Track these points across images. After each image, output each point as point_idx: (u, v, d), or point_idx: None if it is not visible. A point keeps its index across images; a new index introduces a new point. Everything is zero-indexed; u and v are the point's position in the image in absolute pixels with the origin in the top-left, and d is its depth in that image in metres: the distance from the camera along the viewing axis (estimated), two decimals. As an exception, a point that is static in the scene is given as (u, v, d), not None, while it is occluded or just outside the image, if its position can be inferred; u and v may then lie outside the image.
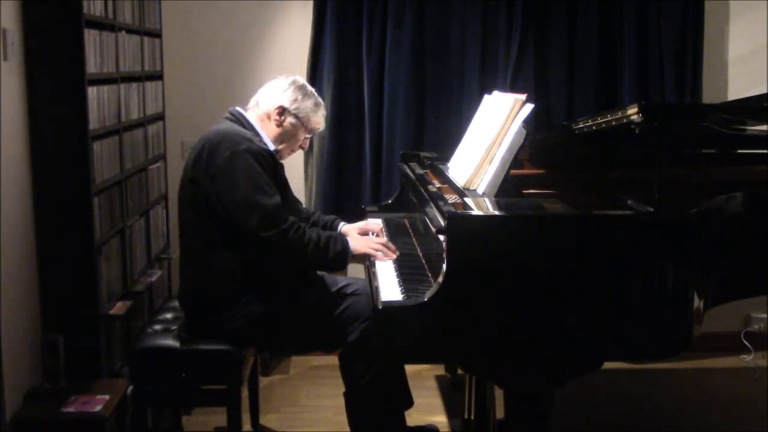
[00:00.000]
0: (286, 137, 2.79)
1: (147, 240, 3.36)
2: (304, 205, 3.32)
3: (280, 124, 2.76)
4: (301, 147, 2.88)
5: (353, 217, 3.31)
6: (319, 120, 2.84)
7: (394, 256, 2.72)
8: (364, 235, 2.98)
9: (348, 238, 2.72)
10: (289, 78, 2.81)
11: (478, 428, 2.81)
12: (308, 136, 2.86)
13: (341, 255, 2.66)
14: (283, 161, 2.81)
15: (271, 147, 2.73)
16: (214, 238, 2.63)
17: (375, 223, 3.09)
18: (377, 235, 2.97)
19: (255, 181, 2.55)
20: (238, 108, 2.80)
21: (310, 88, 2.83)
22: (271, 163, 2.63)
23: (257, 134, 2.72)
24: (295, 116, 2.77)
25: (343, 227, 3.02)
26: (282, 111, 2.76)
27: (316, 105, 2.81)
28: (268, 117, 2.77)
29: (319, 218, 3.05)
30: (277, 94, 2.77)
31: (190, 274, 2.73)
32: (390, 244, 2.77)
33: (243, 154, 2.56)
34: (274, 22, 3.84)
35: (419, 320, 2.09)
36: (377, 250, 2.71)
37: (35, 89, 2.61)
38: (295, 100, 2.76)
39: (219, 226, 2.60)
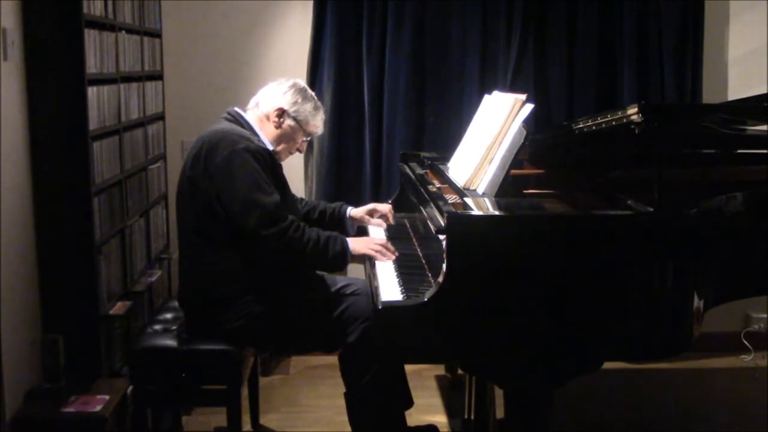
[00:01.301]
0: (284, 139, 2.79)
1: (147, 240, 3.36)
2: (305, 198, 3.33)
3: (278, 126, 2.77)
4: (298, 150, 2.89)
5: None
6: (317, 124, 2.85)
7: (393, 257, 2.72)
8: (372, 215, 3.05)
9: (348, 239, 2.72)
10: (289, 80, 2.82)
11: (478, 428, 2.81)
12: (306, 139, 2.87)
13: (341, 255, 2.66)
14: (284, 162, 2.81)
15: (270, 147, 2.73)
16: (214, 238, 2.63)
17: (383, 205, 3.09)
18: (386, 216, 3.05)
19: (254, 180, 2.55)
20: (236, 108, 2.81)
21: (310, 91, 2.84)
22: (269, 162, 2.64)
23: (256, 134, 2.73)
24: (294, 119, 2.78)
25: (352, 211, 3.05)
26: (281, 113, 2.76)
27: (316, 109, 2.82)
28: (267, 118, 2.78)
29: (326, 207, 3.06)
30: (277, 96, 2.78)
31: (189, 275, 2.73)
32: (389, 245, 2.77)
33: (242, 153, 2.56)
34: (274, 22, 3.84)
35: (419, 320, 2.09)
36: (377, 251, 2.71)
37: (35, 89, 2.61)
38: (295, 103, 2.77)
39: (218, 225, 2.60)
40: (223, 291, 2.63)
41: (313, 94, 2.86)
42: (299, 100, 2.78)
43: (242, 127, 2.73)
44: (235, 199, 2.54)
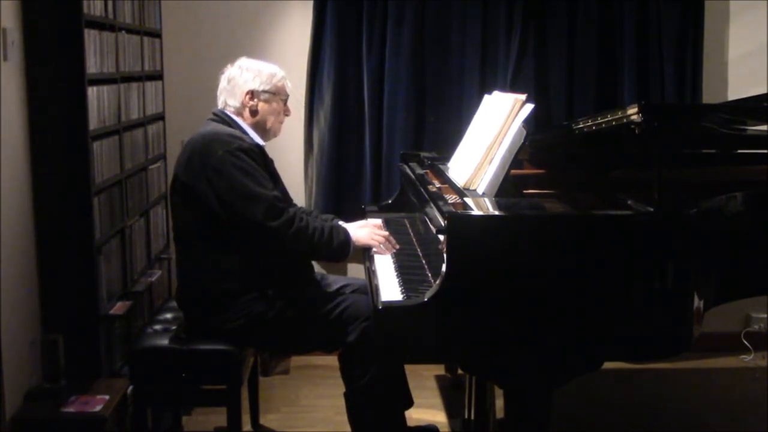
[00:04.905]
0: (267, 114, 2.79)
1: (147, 240, 3.36)
2: (303, 205, 3.33)
3: (255, 108, 2.77)
4: (286, 114, 2.88)
5: (353, 217, 3.31)
6: (283, 83, 2.83)
7: (394, 250, 2.76)
8: None
9: (349, 229, 2.75)
10: (234, 65, 2.82)
11: (478, 428, 2.81)
12: (285, 99, 2.85)
13: (344, 244, 2.69)
14: (284, 162, 2.82)
15: (260, 142, 2.74)
16: (213, 238, 2.63)
17: (374, 222, 3.09)
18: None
19: (253, 176, 2.57)
20: (220, 108, 2.81)
21: (254, 60, 2.83)
22: (262, 159, 2.67)
23: (245, 132, 2.74)
24: (265, 91, 2.78)
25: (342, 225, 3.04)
26: (251, 94, 2.76)
27: (271, 71, 2.81)
28: (242, 109, 2.77)
29: (317, 216, 3.06)
30: (239, 83, 2.77)
31: (188, 275, 2.73)
32: (391, 238, 2.80)
33: (236, 152, 2.58)
34: (274, 22, 3.84)
35: (419, 320, 2.09)
36: (379, 243, 2.75)
37: (35, 89, 2.61)
38: (255, 77, 2.77)
39: (217, 226, 2.61)
40: (223, 291, 2.63)
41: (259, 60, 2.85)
42: (256, 73, 2.78)
43: (230, 126, 2.74)
44: (238, 197, 2.55)
